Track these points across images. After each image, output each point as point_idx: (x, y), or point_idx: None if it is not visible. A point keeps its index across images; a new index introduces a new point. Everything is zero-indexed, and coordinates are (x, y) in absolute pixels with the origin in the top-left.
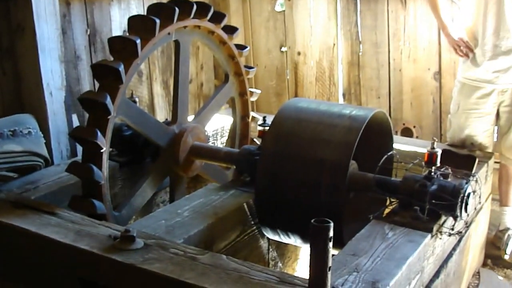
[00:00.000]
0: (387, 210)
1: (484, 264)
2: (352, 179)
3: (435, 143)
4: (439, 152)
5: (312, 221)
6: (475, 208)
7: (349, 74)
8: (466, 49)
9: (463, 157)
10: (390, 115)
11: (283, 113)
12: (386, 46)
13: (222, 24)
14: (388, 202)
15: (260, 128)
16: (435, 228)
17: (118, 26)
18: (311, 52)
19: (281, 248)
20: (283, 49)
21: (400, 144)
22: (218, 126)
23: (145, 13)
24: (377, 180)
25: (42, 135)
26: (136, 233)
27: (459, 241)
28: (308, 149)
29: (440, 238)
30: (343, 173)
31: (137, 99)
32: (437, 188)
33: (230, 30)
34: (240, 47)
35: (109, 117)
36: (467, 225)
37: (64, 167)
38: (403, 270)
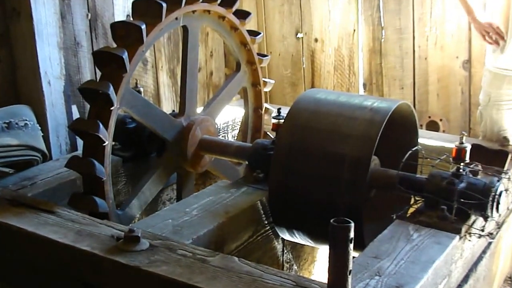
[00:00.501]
0: (411, 210)
1: None
2: (373, 176)
3: (464, 137)
4: (468, 147)
5: (331, 220)
6: (508, 208)
7: (370, 62)
8: (496, 36)
9: (494, 153)
10: (414, 107)
11: (299, 105)
12: (411, 32)
13: (234, 9)
14: (412, 201)
15: (274, 120)
16: (463, 229)
17: (121, 10)
18: (329, 39)
19: (296, 249)
20: (299, 35)
21: (426, 139)
22: (229, 119)
23: None
24: (401, 177)
25: (39, 128)
26: (141, 233)
27: (490, 243)
28: (326, 143)
29: (469, 240)
30: (364, 169)
31: (141, 89)
32: (466, 186)
33: (242, 15)
34: (253, 33)
35: (112, 108)
36: (499, 226)
37: (63, 162)
38: (429, 274)
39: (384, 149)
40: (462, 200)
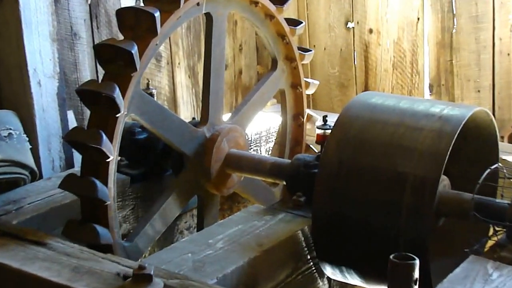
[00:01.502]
0: (490, 243)
1: None
2: (442, 200)
3: None
4: None
5: (391, 256)
6: None
7: (438, 59)
8: None
9: None
10: (494, 115)
11: (350, 112)
12: (490, 21)
13: None
14: (491, 232)
15: (319, 131)
16: None
17: None
18: (387, 29)
19: None
20: (350, 25)
21: (508, 154)
22: (263, 128)
23: None
24: (477, 202)
25: (27, 139)
26: (154, 271)
27: None
28: (384, 160)
29: None
30: (431, 192)
31: (154, 92)
32: None
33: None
34: (293, 23)
35: (118, 115)
36: None
37: (56, 182)
38: None
39: (456, 167)
40: None
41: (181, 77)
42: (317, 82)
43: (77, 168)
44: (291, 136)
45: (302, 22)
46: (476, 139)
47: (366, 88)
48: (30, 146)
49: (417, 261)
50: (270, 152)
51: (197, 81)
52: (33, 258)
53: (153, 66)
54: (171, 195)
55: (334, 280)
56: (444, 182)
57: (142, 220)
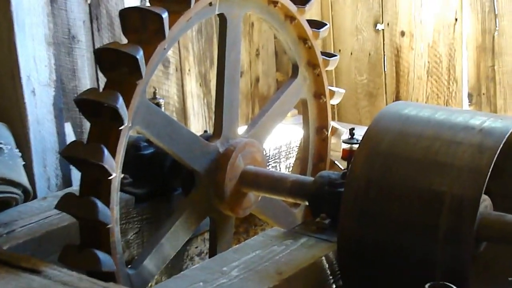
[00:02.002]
0: None
1: None
2: (483, 223)
3: None
4: None
5: (427, 286)
6: None
7: (478, 64)
8: None
9: None
10: None
11: (380, 124)
12: None
13: None
14: None
15: (345, 146)
16: None
17: None
18: (420, 32)
19: None
20: (379, 27)
21: None
22: (283, 143)
23: None
24: None
25: (19, 154)
26: None
27: None
28: (418, 178)
29: None
30: (471, 214)
31: (162, 102)
32: None
33: None
34: (316, 25)
35: (121, 128)
36: None
37: (52, 202)
38: None
39: (498, 185)
40: None
41: (192, 86)
42: (342, 91)
43: (75, 187)
44: (314, 151)
45: (326, 24)
46: None
47: (397, 98)
48: (23, 162)
49: None
50: (290, 169)
51: (209, 90)
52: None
53: (160, 73)
54: (180, 217)
55: None
56: (485, 202)
57: (148, 245)
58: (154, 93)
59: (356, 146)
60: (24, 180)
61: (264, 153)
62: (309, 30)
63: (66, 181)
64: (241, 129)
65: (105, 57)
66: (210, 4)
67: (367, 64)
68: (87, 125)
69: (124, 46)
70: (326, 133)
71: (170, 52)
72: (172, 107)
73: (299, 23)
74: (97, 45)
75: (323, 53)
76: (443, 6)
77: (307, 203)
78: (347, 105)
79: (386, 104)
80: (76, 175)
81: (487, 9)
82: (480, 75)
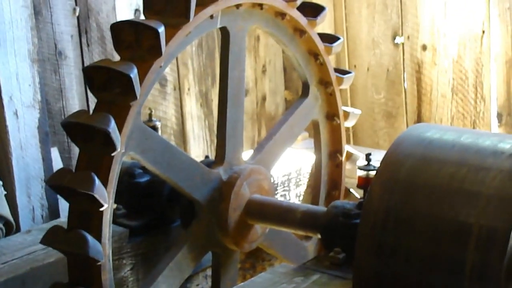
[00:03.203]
0: None
1: None
2: None
3: None
4: None
5: None
6: None
7: (508, 81)
8: None
9: None
10: None
11: (400, 148)
12: None
13: (299, 1)
14: None
15: (361, 172)
16: None
17: (126, 3)
18: (444, 45)
19: None
20: (398, 40)
21: None
22: (292, 169)
23: None
24: None
25: (1, 183)
26: None
27: None
28: (442, 207)
29: None
30: (501, 247)
31: (158, 124)
32: None
33: (312, 10)
34: (328, 39)
35: (114, 153)
36: None
37: (38, 236)
38: None
39: None
40: None
41: (191, 106)
42: (358, 112)
43: (63, 219)
44: (326, 178)
45: (339, 38)
46: None
47: (419, 119)
48: (5, 192)
49: None
50: (301, 198)
51: (210, 111)
52: None
53: (156, 93)
54: (179, 251)
55: None
56: None
57: (144, 283)
58: (150, 115)
59: (373, 173)
60: (5, 211)
61: (272, 181)
62: (320, 45)
63: (53, 212)
64: (246, 154)
65: (95, 76)
66: (212, 16)
67: (385, 81)
68: (75, 150)
69: (117, 63)
70: (340, 159)
71: (167, 70)
72: (170, 130)
73: (309, 37)
74: (87, 62)
75: (336, 70)
76: (469, 17)
77: (319, 236)
78: (363, 127)
79: (407, 126)
80: (64, 205)
81: None
82: (511, 92)
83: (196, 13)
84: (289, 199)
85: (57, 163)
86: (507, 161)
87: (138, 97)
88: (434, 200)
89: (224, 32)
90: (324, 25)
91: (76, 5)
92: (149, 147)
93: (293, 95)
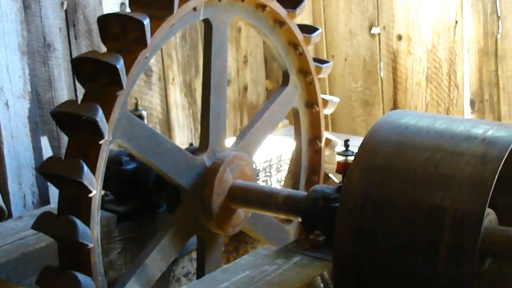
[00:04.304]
0: None
1: None
2: (488, 239)
3: None
4: None
5: None
6: None
7: (480, 69)
8: None
9: None
10: None
11: (377, 135)
12: None
13: None
14: None
15: (339, 158)
16: None
17: None
18: (419, 35)
19: None
20: (374, 30)
21: None
22: (273, 155)
23: None
24: None
25: None
26: None
27: None
28: (417, 191)
29: None
30: (474, 229)
31: (144, 113)
32: None
33: (291, 2)
34: (307, 30)
35: (101, 142)
36: None
37: (29, 222)
38: None
39: (503, 198)
40: None
41: (176, 96)
42: (336, 100)
43: (53, 205)
44: (306, 164)
45: (318, 29)
46: None
47: (394, 106)
48: None
49: None
50: (282, 183)
51: (194, 100)
52: None
53: (142, 83)
54: (165, 235)
55: None
56: (490, 216)
57: (132, 266)
58: (136, 104)
59: (351, 158)
60: None
61: (254, 167)
62: (300, 35)
63: (43, 199)
64: (229, 142)
65: (83, 67)
66: (195, 9)
67: (362, 71)
68: (65, 139)
69: (103, 55)
70: (320, 145)
71: (152, 61)
72: (156, 119)
73: (289, 28)
74: (75, 54)
75: (315, 60)
76: (443, 8)
77: (300, 220)
78: (341, 114)
79: (383, 113)
80: (54, 192)
81: (489, 10)
82: (483, 80)
83: (179, 5)
84: (271, 184)
85: (47, 152)
86: (480, 146)
87: (124, 87)
88: (410, 184)
89: (207, 24)
90: (303, 16)
91: None
92: (135, 135)
93: (273, 84)
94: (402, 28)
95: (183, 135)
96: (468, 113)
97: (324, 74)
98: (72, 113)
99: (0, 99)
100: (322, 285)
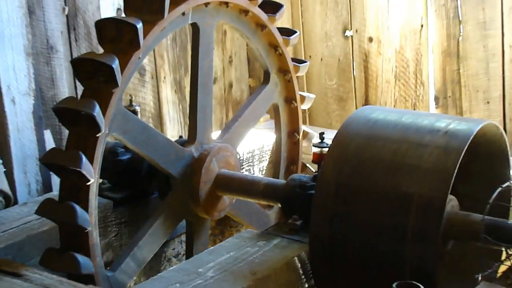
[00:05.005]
0: (502, 268)
1: None
2: (450, 222)
3: None
4: None
5: (394, 285)
6: None
7: (443, 68)
8: None
9: None
10: (505, 128)
11: (349, 128)
12: (499, 28)
13: (260, 0)
14: (504, 256)
15: (315, 149)
16: None
17: (109, 3)
18: (388, 38)
19: None
20: (348, 33)
21: None
22: (255, 147)
23: None
24: (488, 224)
25: (0, 161)
26: None
27: None
28: (386, 179)
29: None
30: (438, 214)
31: (138, 109)
32: None
33: (271, 7)
34: (286, 33)
35: (98, 135)
36: None
37: (33, 208)
38: None
39: (464, 186)
40: None
41: (167, 93)
42: (313, 96)
43: (55, 192)
44: (286, 154)
45: (296, 32)
46: (485, 155)
47: (366, 102)
48: (4, 169)
49: None
50: (263, 172)
51: (184, 97)
52: None
53: (136, 81)
54: (157, 220)
55: None
56: (452, 202)
57: (126, 248)
58: (131, 101)
59: (326, 149)
60: (4, 186)
61: (238, 157)
62: (279, 38)
63: (46, 186)
64: (215, 134)
65: (82, 67)
66: (183, 14)
67: (336, 70)
68: (66, 132)
69: (100, 56)
70: (298, 137)
71: (146, 60)
72: (148, 114)
73: (269, 31)
74: (75, 55)
75: (293, 60)
76: (409, 13)
77: (279, 205)
78: (317, 109)
79: (356, 108)
80: (56, 180)
81: (452, 15)
82: (446, 78)
83: (170, 10)
84: (253, 173)
85: (50, 144)
86: (443, 139)
87: (119, 85)
88: (379, 173)
89: (195, 28)
90: (283, 20)
91: (65, 5)
92: (129, 128)
93: (256, 82)
94: (373, 31)
95: (174, 129)
96: (433, 108)
97: (301, 73)
98: (72, 108)
99: (7, 96)
100: (299, 265)
